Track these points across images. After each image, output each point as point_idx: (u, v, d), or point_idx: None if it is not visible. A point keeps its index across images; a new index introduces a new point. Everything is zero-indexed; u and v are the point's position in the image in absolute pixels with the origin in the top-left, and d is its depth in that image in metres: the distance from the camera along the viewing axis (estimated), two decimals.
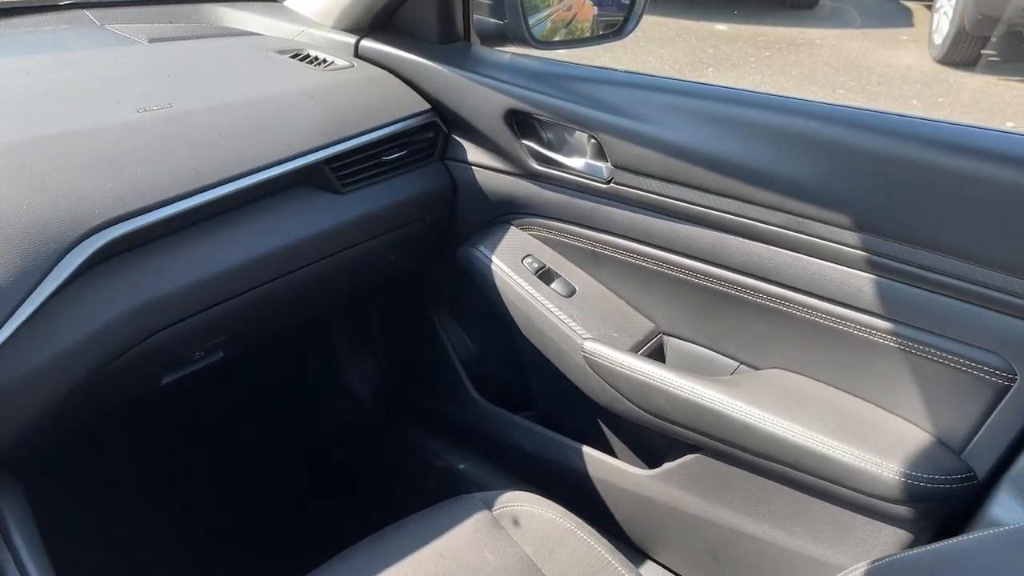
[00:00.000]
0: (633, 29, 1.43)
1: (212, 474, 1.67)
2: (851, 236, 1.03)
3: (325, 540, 1.11)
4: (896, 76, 5.53)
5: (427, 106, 1.33)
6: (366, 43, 1.39)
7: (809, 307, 1.10)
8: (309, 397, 1.78)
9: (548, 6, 1.67)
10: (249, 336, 1.26)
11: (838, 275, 1.06)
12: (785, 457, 1.08)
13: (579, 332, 1.25)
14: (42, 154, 0.95)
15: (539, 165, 1.29)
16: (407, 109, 1.31)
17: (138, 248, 0.98)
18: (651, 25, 6.35)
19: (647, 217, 1.21)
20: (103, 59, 1.24)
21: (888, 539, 1.05)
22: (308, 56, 1.35)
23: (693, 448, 1.21)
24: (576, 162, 1.26)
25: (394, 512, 1.09)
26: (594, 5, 1.74)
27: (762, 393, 1.13)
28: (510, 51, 1.37)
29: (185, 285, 1.02)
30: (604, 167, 1.23)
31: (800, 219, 1.07)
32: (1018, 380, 0.97)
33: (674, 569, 1.33)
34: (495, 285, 1.31)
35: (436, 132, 1.35)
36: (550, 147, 1.29)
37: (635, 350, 1.24)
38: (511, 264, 1.31)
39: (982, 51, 5.59)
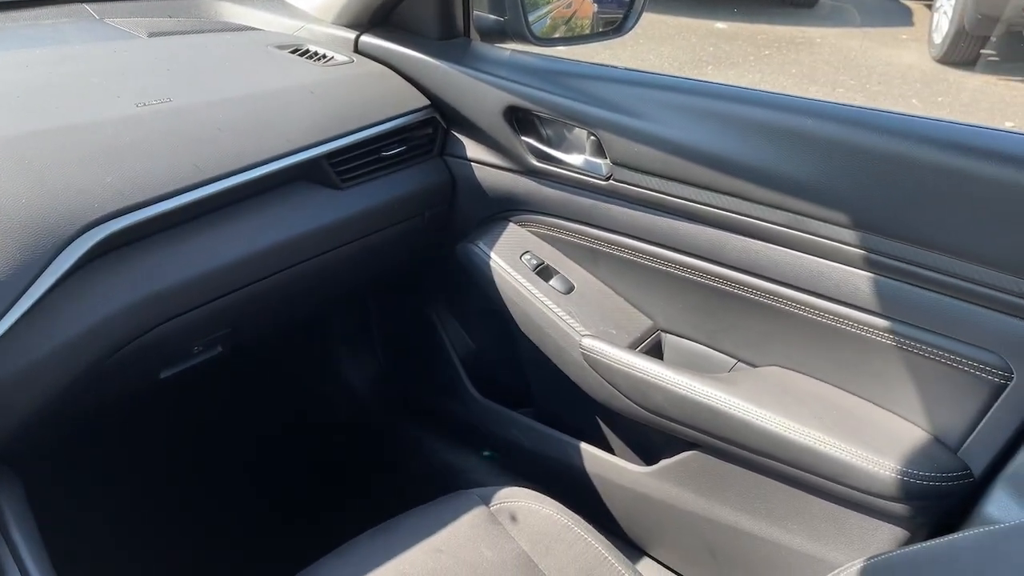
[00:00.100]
0: (633, 26, 1.43)
1: (210, 469, 1.68)
2: (849, 234, 1.04)
3: (322, 535, 1.11)
4: (896, 75, 5.53)
5: (426, 102, 1.33)
6: (366, 39, 1.39)
7: (807, 305, 1.11)
8: (307, 392, 1.78)
9: (548, 3, 1.67)
10: (248, 331, 1.26)
11: (836, 273, 1.07)
12: (782, 454, 1.08)
13: (577, 329, 1.25)
14: (41, 148, 0.95)
15: (538, 162, 1.29)
16: (406, 105, 1.31)
17: (137, 242, 0.98)
18: (650, 23, 6.35)
19: (646, 214, 1.21)
20: (102, 53, 1.24)
21: (884, 536, 1.06)
22: (307, 51, 1.35)
23: (690, 445, 1.21)
24: (575, 159, 1.26)
25: (391, 508, 1.10)
26: (594, 2, 1.73)
27: (760, 390, 1.13)
28: (510, 48, 1.37)
29: (184, 279, 1.02)
30: (603, 164, 1.23)
31: (799, 217, 1.07)
32: (1015, 379, 0.97)
33: (671, 566, 1.34)
34: (494, 281, 1.32)
35: (435, 128, 1.35)
36: (549, 144, 1.29)
37: (633, 347, 1.24)
38: (510, 260, 1.31)
39: (982, 51, 5.60)
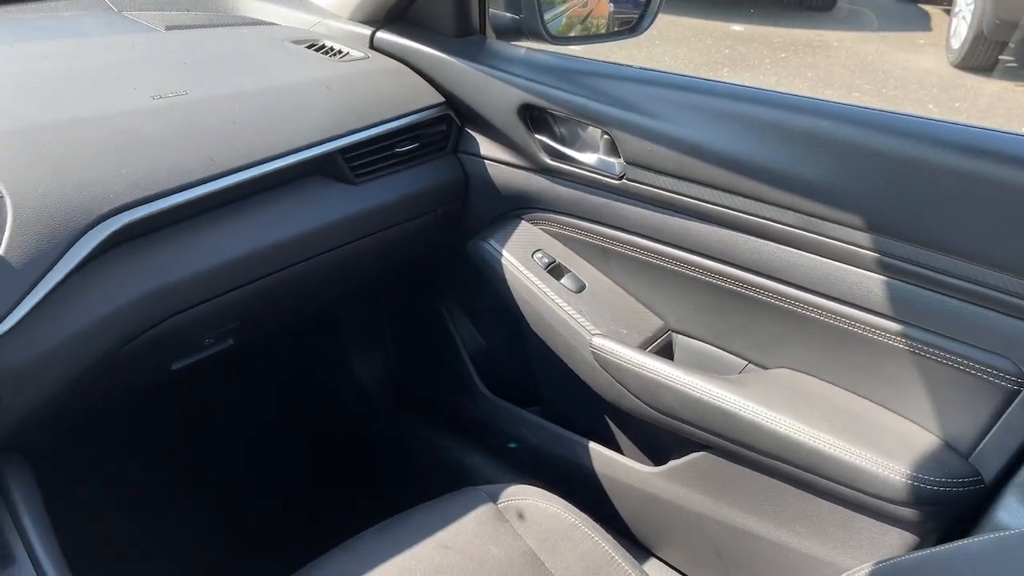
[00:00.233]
0: (648, 27, 1.43)
1: (218, 461, 1.68)
2: (862, 237, 1.03)
3: (330, 529, 1.11)
4: (913, 80, 5.50)
5: (441, 99, 1.34)
6: (381, 35, 1.39)
7: (819, 307, 1.10)
8: (317, 386, 1.78)
9: (564, 2, 1.67)
10: (259, 324, 1.26)
11: (849, 276, 1.06)
12: (792, 457, 1.08)
13: (588, 328, 1.25)
14: (58, 138, 0.95)
15: (551, 160, 1.29)
16: (421, 101, 1.31)
17: (151, 234, 0.99)
18: (666, 24, 6.33)
19: (658, 214, 1.21)
20: (120, 45, 1.25)
21: (894, 541, 1.05)
22: (324, 47, 1.35)
23: (700, 446, 1.21)
24: (588, 157, 1.26)
25: (399, 503, 1.10)
26: (610, 2, 1.73)
27: (770, 392, 1.12)
28: (525, 46, 1.37)
29: (197, 271, 1.02)
30: (617, 163, 1.23)
31: (812, 219, 1.06)
32: None
33: (678, 567, 1.33)
34: (505, 279, 1.32)
35: (449, 125, 1.35)
36: (563, 142, 1.29)
37: (644, 347, 1.24)
38: (521, 258, 1.31)
39: (1000, 56, 5.55)
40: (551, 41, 1.35)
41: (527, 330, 1.33)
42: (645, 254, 1.25)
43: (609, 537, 1.05)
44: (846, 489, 1.04)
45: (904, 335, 1.04)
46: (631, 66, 1.27)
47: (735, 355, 1.24)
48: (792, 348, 1.17)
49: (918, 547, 1.04)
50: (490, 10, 1.40)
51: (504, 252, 1.32)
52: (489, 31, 1.41)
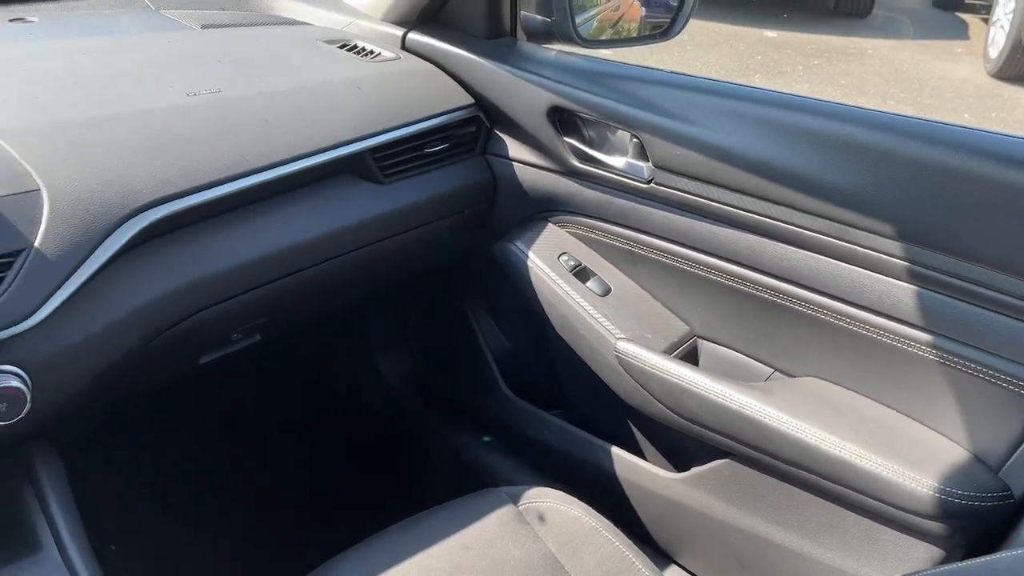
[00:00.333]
0: (680, 31, 1.42)
1: (241, 456, 1.70)
2: (893, 246, 1.02)
3: (350, 526, 1.12)
4: (949, 89, 5.42)
5: (471, 100, 1.34)
6: (413, 36, 1.40)
7: (847, 316, 1.09)
8: (342, 384, 1.79)
9: (596, 5, 1.67)
10: (286, 320, 1.28)
11: (879, 285, 1.05)
12: (817, 466, 1.06)
13: (613, 332, 1.24)
14: (94, 134, 0.97)
15: (580, 163, 1.29)
16: (451, 103, 1.32)
17: (182, 229, 1.00)
18: (698, 30, 6.30)
19: (686, 219, 1.20)
20: (157, 43, 1.27)
21: (919, 555, 1.04)
22: (356, 47, 1.36)
23: (724, 453, 1.20)
24: (617, 161, 1.26)
25: (420, 502, 1.10)
26: (642, 6, 1.73)
27: (796, 401, 1.11)
28: (555, 48, 1.37)
29: (226, 267, 1.04)
30: (645, 167, 1.22)
31: (842, 226, 1.05)
32: None
33: (698, 574, 1.32)
34: (530, 281, 1.32)
35: (478, 127, 1.36)
36: (591, 145, 1.29)
37: (669, 352, 1.24)
38: (547, 261, 1.31)
39: None
40: (582, 44, 1.35)
41: (551, 333, 1.33)
42: (672, 259, 1.25)
43: (630, 542, 1.04)
44: (872, 501, 1.03)
45: (934, 345, 1.02)
46: (661, 70, 1.27)
47: (761, 362, 1.23)
48: (819, 356, 1.16)
49: (944, 561, 1.02)
50: (521, 12, 1.41)
51: (530, 254, 1.32)
52: (520, 33, 1.41)
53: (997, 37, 5.68)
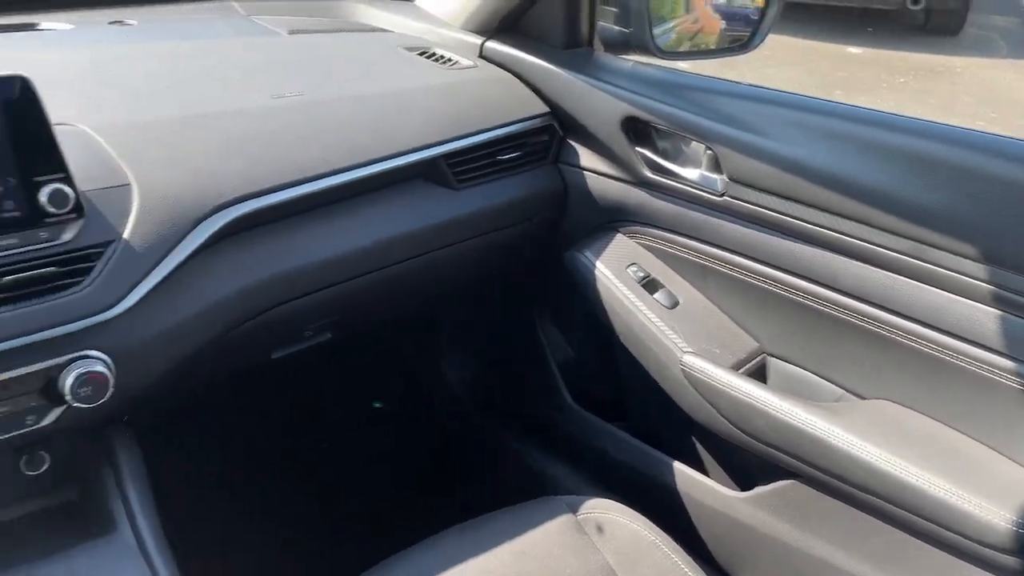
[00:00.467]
0: (759, 44, 1.41)
1: (307, 451, 1.73)
2: (975, 267, 0.98)
3: (409, 525, 1.13)
4: None
5: (545, 109, 1.35)
6: (491, 44, 1.42)
7: (924, 338, 1.06)
8: (407, 385, 1.82)
9: (674, 18, 1.66)
10: (357, 319, 1.30)
11: (959, 307, 1.01)
12: (888, 493, 1.03)
13: (679, 345, 1.23)
14: (183, 132, 1.01)
15: (652, 174, 1.28)
16: (526, 111, 1.33)
17: (263, 226, 1.03)
18: (778, 45, 6.19)
19: (760, 233, 1.19)
20: (246, 47, 1.32)
21: None
22: (434, 54, 1.39)
23: (790, 474, 1.17)
24: (690, 173, 1.25)
25: (478, 506, 1.11)
26: (721, 19, 1.71)
27: (868, 424, 1.08)
28: (632, 59, 1.37)
29: (302, 265, 1.07)
30: (719, 180, 1.21)
31: (921, 246, 1.02)
32: None
33: None
34: (598, 291, 1.31)
35: (552, 135, 1.36)
36: (665, 156, 1.28)
37: (736, 368, 1.22)
38: (616, 271, 1.31)
39: None
40: (659, 56, 1.35)
41: (617, 344, 1.32)
42: (743, 273, 1.23)
43: (689, 559, 1.03)
44: (946, 532, 0.99)
45: (1017, 373, 0.98)
46: (738, 82, 1.25)
47: (832, 382, 1.20)
48: (894, 379, 1.12)
49: None
50: (599, 23, 1.41)
51: (599, 264, 1.32)
52: (597, 43, 1.42)
53: None
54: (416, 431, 1.81)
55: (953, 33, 6.98)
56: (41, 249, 0.83)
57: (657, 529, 1.07)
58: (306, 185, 1.04)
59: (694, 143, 1.24)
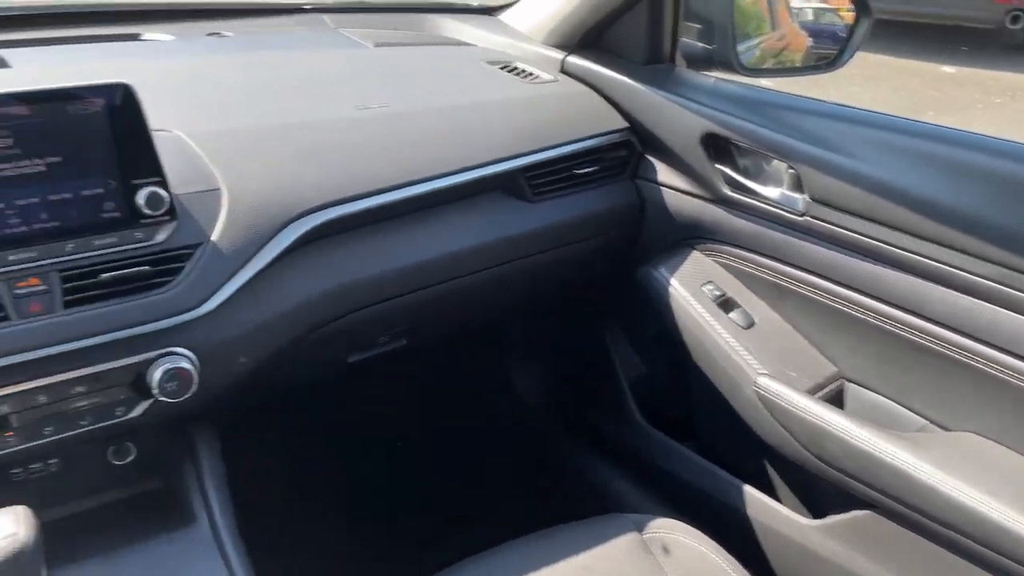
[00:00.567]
0: (847, 61, 1.38)
1: (376, 454, 1.76)
2: None
3: (471, 533, 1.14)
4: None
5: (625, 124, 1.35)
6: (572, 59, 1.43)
7: (1013, 369, 1.01)
8: (477, 394, 1.83)
9: (760, 34, 1.64)
10: (431, 327, 1.32)
11: None
12: (972, 530, 0.99)
13: (754, 366, 1.21)
14: (272, 140, 1.05)
15: (731, 191, 1.27)
16: (604, 126, 1.33)
17: (343, 233, 1.06)
18: (867, 62, 6.03)
19: (841, 255, 1.16)
20: (333, 59, 1.36)
21: None
22: (516, 68, 1.40)
23: (866, 504, 1.13)
24: (771, 192, 1.23)
25: (543, 519, 1.11)
26: (808, 36, 1.69)
27: (952, 456, 1.04)
28: (713, 76, 1.36)
29: (380, 273, 1.09)
30: (800, 199, 1.19)
31: (1010, 272, 0.98)
32: None
33: None
34: (672, 308, 1.30)
35: (630, 150, 1.36)
36: (745, 174, 1.26)
37: (812, 392, 1.19)
38: (691, 289, 1.29)
39: None
40: (743, 73, 1.33)
41: (690, 362, 1.31)
42: (823, 296, 1.20)
43: None
44: None
45: None
46: (823, 100, 1.23)
47: (914, 412, 1.16)
48: (981, 411, 1.08)
49: None
50: (681, 39, 1.41)
51: (673, 281, 1.31)
52: (679, 59, 1.41)
53: None
54: (483, 441, 1.82)
55: None
56: (136, 249, 0.87)
57: (724, 552, 1.05)
58: (387, 194, 1.06)
59: (775, 161, 1.22)
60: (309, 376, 1.24)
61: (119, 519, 1.02)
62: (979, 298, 1.03)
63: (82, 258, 0.85)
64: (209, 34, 1.44)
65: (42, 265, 0.83)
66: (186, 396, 0.91)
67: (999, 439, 1.07)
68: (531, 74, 1.39)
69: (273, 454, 1.65)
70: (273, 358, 1.02)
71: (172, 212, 0.88)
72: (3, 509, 0.74)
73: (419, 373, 1.75)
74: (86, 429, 0.89)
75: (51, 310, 0.83)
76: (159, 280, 0.88)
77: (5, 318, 0.81)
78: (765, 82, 1.44)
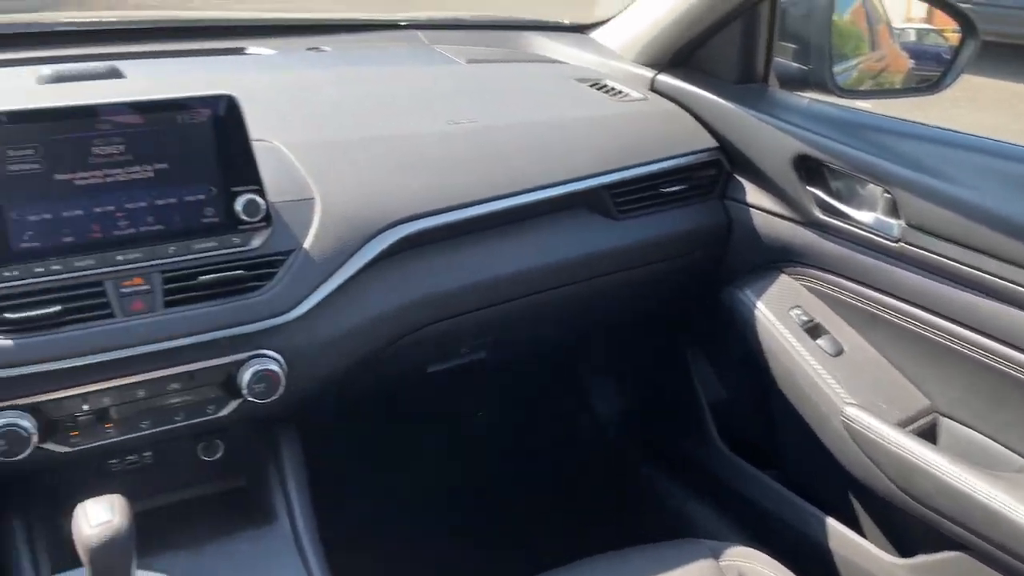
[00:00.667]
0: (950, 84, 1.34)
1: (450, 465, 1.77)
2: None
3: (545, 553, 1.14)
4: None
5: (714, 143, 1.33)
6: (662, 78, 1.42)
7: None
8: (555, 409, 1.83)
9: (858, 55, 1.61)
10: (511, 341, 1.33)
11: None
12: None
13: (842, 395, 1.17)
14: (364, 152, 1.08)
15: (823, 215, 1.23)
16: (693, 145, 1.32)
17: (430, 245, 1.08)
18: (972, 86, 5.79)
19: (939, 284, 1.11)
20: (426, 75, 1.39)
21: None
22: (605, 86, 1.41)
23: (958, 544, 1.08)
24: (865, 216, 1.19)
25: (617, 539, 1.10)
26: (910, 58, 1.64)
27: None
28: (808, 96, 1.33)
29: (464, 285, 1.11)
30: (896, 225, 1.15)
31: None
32: None
33: None
34: (757, 332, 1.28)
35: (719, 170, 1.35)
36: (837, 197, 1.23)
37: (903, 425, 1.14)
38: (777, 313, 1.26)
39: None
40: (839, 94, 1.31)
41: (774, 388, 1.28)
42: (917, 325, 1.16)
43: None
44: None
45: None
46: (923, 123, 1.19)
47: (1013, 451, 1.11)
48: None
49: None
50: (776, 59, 1.39)
51: (760, 304, 1.28)
52: (772, 79, 1.39)
53: None
54: (560, 457, 1.81)
55: None
56: (233, 253, 0.91)
57: None
58: (473, 208, 1.08)
59: (870, 185, 1.19)
60: (390, 384, 1.26)
61: (204, 514, 1.05)
62: None
63: (183, 260, 0.88)
64: (309, 49, 1.49)
65: (146, 266, 0.87)
66: (273, 398, 0.94)
67: None
68: (620, 92, 1.39)
69: (353, 458, 1.68)
70: (356, 365, 1.05)
71: (268, 219, 0.92)
72: (100, 497, 0.78)
73: (500, 385, 1.76)
74: (179, 425, 0.93)
75: (152, 309, 0.87)
76: (253, 284, 0.91)
77: (110, 315, 0.85)
78: (862, 104, 1.40)
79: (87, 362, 0.84)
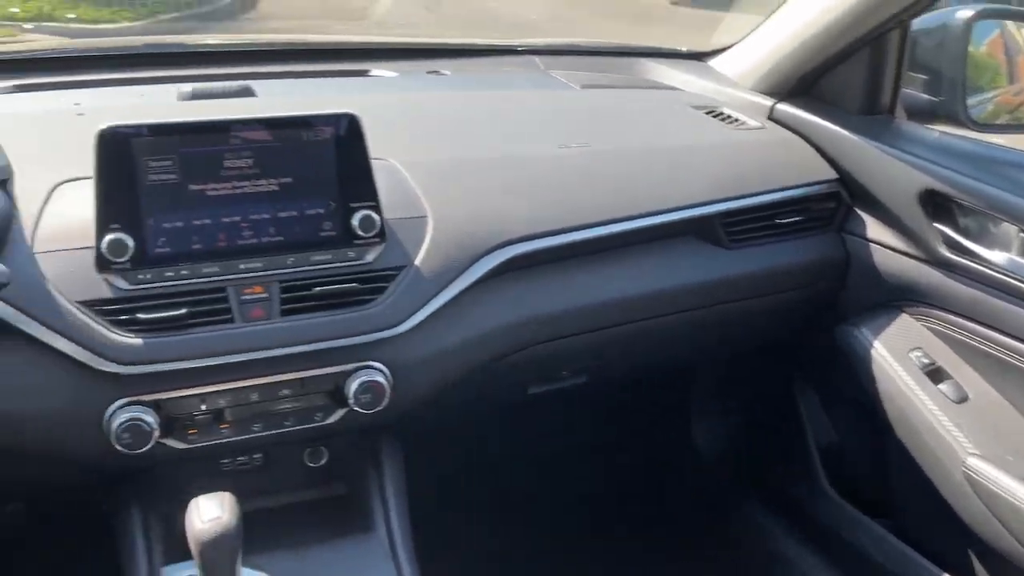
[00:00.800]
0: None
1: (545, 484, 1.76)
2: None
3: None
4: None
5: (834, 175, 1.29)
6: (781, 107, 1.39)
7: None
8: (652, 442, 1.80)
9: (995, 88, 1.53)
10: (614, 366, 1.32)
11: None
12: None
13: (964, 445, 1.10)
14: (477, 173, 1.10)
15: (950, 253, 1.17)
16: (812, 176, 1.28)
17: (537, 266, 1.09)
18: None
19: None
20: (540, 99, 1.40)
21: None
22: (722, 114, 1.39)
23: None
24: (997, 256, 1.13)
25: (710, 574, 1.06)
26: None
27: None
28: (937, 129, 1.27)
29: (568, 308, 1.11)
30: None
31: None
32: None
33: None
34: (873, 374, 1.22)
35: (838, 202, 1.30)
36: (967, 235, 1.17)
37: None
38: (896, 354, 1.21)
39: None
40: (972, 127, 1.25)
41: (890, 433, 1.22)
42: None
43: None
44: None
45: None
46: None
47: None
48: None
49: None
50: (904, 90, 1.33)
51: (877, 344, 1.22)
52: (899, 111, 1.33)
53: None
54: (656, 487, 1.78)
55: None
56: (348, 267, 0.94)
57: None
58: (582, 231, 1.08)
59: (1004, 224, 1.12)
60: (491, 401, 1.27)
61: (307, 518, 1.08)
62: None
63: (300, 271, 0.92)
64: (429, 72, 1.54)
65: (266, 275, 0.91)
66: (378, 409, 0.96)
67: None
68: (737, 120, 1.37)
69: (450, 471, 1.69)
70: (461, 380, 1.06)
71: (382, 234, 0.94)
72: (212, 494, 0.82)
73: (600, 410, 1.74)
74: (288, 429, 0.97)
75: (270, 317, 0.91)
76: (365, 297, 0.94)
77: (231, 320, 0.89)
78: (996, 138, 1.33)
79: (207, 364, 0.88)
